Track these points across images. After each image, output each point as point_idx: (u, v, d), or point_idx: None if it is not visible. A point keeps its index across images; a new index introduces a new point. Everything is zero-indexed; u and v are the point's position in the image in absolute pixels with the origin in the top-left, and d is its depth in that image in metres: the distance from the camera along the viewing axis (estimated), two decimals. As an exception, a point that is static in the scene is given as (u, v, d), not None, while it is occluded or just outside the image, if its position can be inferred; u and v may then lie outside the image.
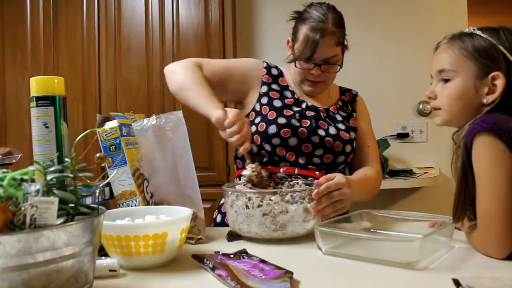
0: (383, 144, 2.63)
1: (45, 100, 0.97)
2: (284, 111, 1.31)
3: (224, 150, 2.44)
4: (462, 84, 0.94)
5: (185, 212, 0.88)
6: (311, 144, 1.29)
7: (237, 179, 1.39)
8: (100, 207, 0.70)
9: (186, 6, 2.47)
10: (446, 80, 0.96)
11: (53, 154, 0.96)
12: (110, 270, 0.78)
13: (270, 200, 1.00)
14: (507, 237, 0.81)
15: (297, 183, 1.16)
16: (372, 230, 1.05)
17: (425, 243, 0.81)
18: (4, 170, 0.63)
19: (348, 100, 1.45)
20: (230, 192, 1.06)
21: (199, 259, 0.83)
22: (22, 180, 0.60)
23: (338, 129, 1.32)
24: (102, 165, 1.02)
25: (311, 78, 1.32)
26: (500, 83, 0.89)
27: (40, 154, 0.96)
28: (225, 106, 1.19)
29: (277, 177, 1.24)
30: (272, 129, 1.27)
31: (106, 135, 1.02)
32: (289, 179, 1.20)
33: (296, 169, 1.29)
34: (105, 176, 1.00)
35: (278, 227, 0.99)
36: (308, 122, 1.31)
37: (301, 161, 1.30)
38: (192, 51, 2.45)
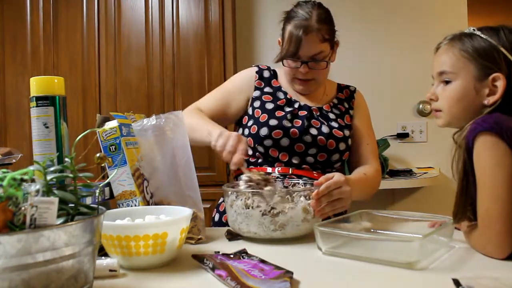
0: (383, 144, 2.63)
1: (45, 100, 0.97)
2: (276, 112, 1.33)
3: (224, 150, 2.44)
4: (463, 86, 0.94)
5: (185, 212, 0.88)
6: (304, 143, 1.30)
7: (235, 179, 1.40)
8: (100, 207, 0.70)
9: (186, 6, 2.47)
10: (447, 82, 0.96)
11: (53, 154, 0.96)
12: (110, 270, 0.78)
13: (269, 200, 1.00)
14: (507, 237, 0.81)
15: (298, 182, 1.17)
16: (372, 230, 1.05)
17: (425, 243, 0.81)
18: (4, 170, 0.63)
19: (345, 97, 1.45)
20: (230, 192, 1.06)
21: (199, 259, 0.83)
22: (22, 180, 0.60)
23: (331, 127, 1.32)
24: (102, 165, 1.02)
25: (299, 76, 1.33)
26: (500, 84, 0.89)
27: (40, 154, 0.96)
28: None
29: (273, 177, 1.24)
30: (264, 131, 1.29)
31: (106, 135, 1.02)
32: (284, 180, 1.20)
33: (290, 169, 1.29)
34: (105, 176, 1.00)
35: (277, 227, 0.99)
36: (300, 122, 1.31)
37: (294, 161, 1.30)
38: (192, 51, 2.46)
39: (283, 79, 1.43)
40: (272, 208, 0.99)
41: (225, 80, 2.43)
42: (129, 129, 1.07)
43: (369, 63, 2.78)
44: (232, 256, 0.86)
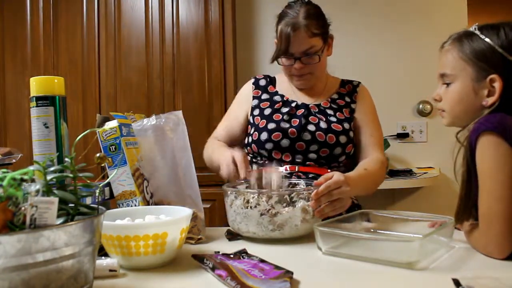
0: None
1: (45, 100, 0.97)
2: (274, 116, 1.36)
3: (224, 150, 2.44)
4: (462, 88, 0.94)
5: (185, 212, 0.88)
6: (303, 141, 1.32)
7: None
8: (100, 207, 0.70)
9: (186, 6, 2.47)
10: (448, 84, 0.97)
11: (53, 154, 0.96)
12: (110, 270, 0.78)
13: (268, 200, 1.00)
14: (508, 237, 0.81)
15: (299, 182, 1.17)
16: (372, 230, 1.05)
17: (425, 243, 0.81)
18: (4, 170, 0.63)
19: (347, 91, 1.45)
20: (229, 192, 1.06)
21: (199, 259, 0.83)
22: (22, 180, 0.60)
23: (329, 122, 1.34)
24: (102, 165, 1.02)
25: (295, 72, 1.36)
26: (497, 86, 0.89)
27: (40, 154, 0.96)
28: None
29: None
30: (264, 135, 1.33)
31: (106, 135, 1.02)
32: (290, 178, 1.21)
33: (296, 167, 1.31)
34: (105, 176, 1.00)
35: (275, 227, 0.99)
36: (297, 120, 1.34)
37: (298, 160, 1.33)
38: (192, 51, 2.46)
39: (281, 84, 1.47)
40: (271, 208, 0.99)
41: (225, 80, 2.44)
42: (129, 129, 1.07)
43: (369, 63, 2.78)
44: (232, 256, 0.86)
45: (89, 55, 2.51)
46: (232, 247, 0.96)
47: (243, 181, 1.14)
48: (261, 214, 0.99)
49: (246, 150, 1.44)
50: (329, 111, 1.37)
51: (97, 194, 0.77)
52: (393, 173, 2.56)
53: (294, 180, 1.20)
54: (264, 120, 1.36)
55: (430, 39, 2.71)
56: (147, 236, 0.79)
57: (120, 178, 1.01)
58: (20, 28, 2.53)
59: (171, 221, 0.84)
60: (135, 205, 1.01)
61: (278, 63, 1.36)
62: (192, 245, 1.00)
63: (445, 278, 0.72)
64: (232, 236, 1.06)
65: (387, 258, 0.82)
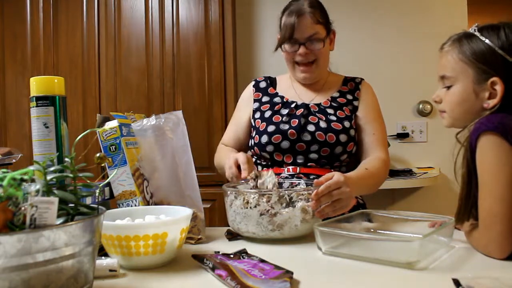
0: (383, 144, 2.63)
1: (45, 100, 0.97)
2: (274, 118, 1.37)
3: (224, 150, 2.44)
4: (462, 90, 0.94)
5: (185, 212, 0.88)
6: (304, 142, 1.32)
7: None
8: (100, 207, 0.70)
9: (186, 6, 2.47)
10: (449, 86, 0.97)
11: (53, 154, 0.96)
12: (110, 270, 0.78)
13: (268, 200, 1.00)
14: (508, 237, 0.81)
15: (299, 183, 1.17)
16: (372, 230, 1.05)
17: (425, 243, 0.81)
18: (4, 170, 0.63)
19: (349, 89, 1.44)
20: (229, 192, 1.06)
21: (199, 259, 0.83)
22: (22, 180, 0.60)
23: (329, 121, 1.33)
24: (102, 165, 1.02)
25: (299, 59, 1.36)
26: (499, 88, 0.89)
27: (40, 154, 0.96)
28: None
29: (281, 177, 1.25)
30: (264, 138, 1.34)
31: (106, 135, 1.02)
32: (292, 179, 1.21)
33: (298, 168, 1.32)
34: (105, 176, 1.00)
35: (275, 227, 0.99)
36: (297, 121, 1.34)
37: (299, 160, 1.33)
38: (192, 51, 2.46)
39: (282, 85, 1.48)
40: (270, 208, 0.99)
41: (225, 80, 2.44)
42: (129, 129, 1.07)
43: (369, 63, 2.78)
44: (232, 256, 0.86)
45: (89, 55, 2.51)
46: (232, 247, 0.96)
47: (243, 181, 1.14)
48: (261, 214, 0.99)
49: (250, 153, 1.45)
50: (329, 110, 1.37)
51: (97, 194, 0.77)
52: (393, 173, 2.56)
53: (294, 180, 1.20)
54: (264, 123, 1.37)
55: (431, 39, 2.71)
56: (147, 236, 0.79)
57: (120, 178, 1.01)
58: (20, 28, 2.53)
59: (171, 221, 0.84)
60: (135, 205, 1.01)
61: (282, 50, 1.37)
62: (192, 245, 1.00)
63: (445, 278, 0.72)
64: (232, 236, 1.06)
65: (387, 258, 0.82)
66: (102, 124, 1.06)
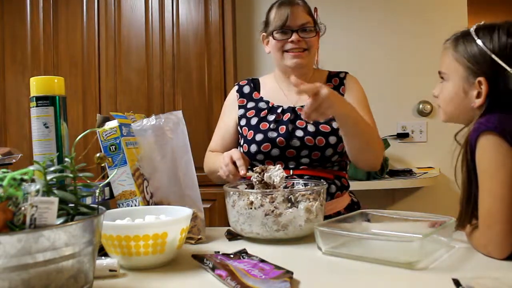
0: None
1: (45, 100, 0.97)
2: (261, 125, 1.35)
3: (224, 150, 2.44)
4: (453, 87, 0.96)
5: (185, 212, 0.88)
6: (293, 148, 1.31)
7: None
8: (100, 207, 0.70)
9: (186, 6, 2.47)
10: (443, 82, 1.00)
11: (53, 154, 0.96)
12: (110, 270, 0.78)
13: (272, 200, 0.99)
14: (508, 237, 0.81)
15: (298, 182, 1.17)
16: (372, 230, 1.05)
17: (425, 243, 0.81)
18: (4, 170, 0.63)
19: (334, 86, 1.42)
20: (231, 192, 1.05)
21: (199, 259, 0.83)
22: (22, 180, 0.60)
23: (317, 124, 1.32)
24: (102, 165, 1.02)
25: (290, 46, 1.33)
26: (484, 88, 0.90)
27: (40, 154, 0.96)
28: None
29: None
30: (253, 148, 1.33)
31: (106, 135, 1.02)
32: (288, 180, 1.20)
33: (291, 171, 1.32)
34: (105, 176, 1.00)
35: (280, 227, 0.98)
36: (285, 127, 1.32)
37: (291, 166, 1.33)
38: (192, 51, 2.46)
39: (266, 88, 1.45)
40: (275, 208, 0.99)
41: (225, 80, 2.44)
42: (129, 129, 1.07)
43: (369, 63, 2.78)
44: (232, 256, 0.86)
45: (89, 55, 2.51)
46: (232, 247, 0.96)
47: (243, 181, 1.14)
48: (266, 215, 0.98)
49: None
50: None
51: (97, 194, 0.77)
52: (393, 173, 2.56)
53: (293, 180, 1.19)
54: (252, 131, 1.35)
55: (430, 39, 2.71)
56: (147, 236, 0.79)
57: (120, 178, 1.01)
58: (20, 28, 2.53)
59: (171, 221, 0.84)
60: (135, 205, 1.01)
61: (273, 38, 1.34)
62: (192, 245, 1.00)
63: (445, 278, 0.72)
64: (232, 236, 1.06)
65: (387, 258, 0.82)
66: (102, 124, 1.06)
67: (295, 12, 1.32)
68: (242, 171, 1.14)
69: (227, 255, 0.86)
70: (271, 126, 1.33)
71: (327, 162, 1.33)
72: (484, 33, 0.92)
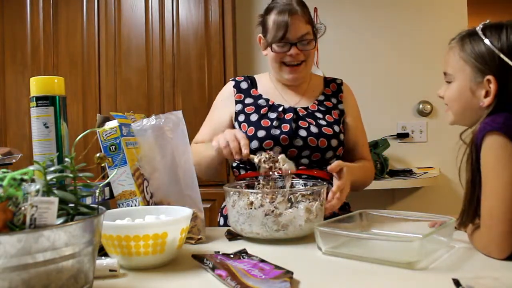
0: (383, 144, 2.63)
1: (45, 100, 0.97)
2: (262, 122, 1.33)
3: (224, 150, 2.44)
4: (459, 87, 0.95)
5: (185, 212, 0.88)
6: (296, 148, 1.30)
7: (235, 180, 1.41)
8: (100, 207, 0.70)
9: (186, 6, 2.47)
10: (449, 82, 0.98)
11: (53, 154, 0.96)
12: (110, 270, 0.78)
13: (272, 200, 0.99)
14: (508, 237, 0.81)
15: (297, 182, 1.17)
16: (372, 230, 1.05)
17: (425, 243, 0.81)
18: (4, 170, 0.63)
19: (332, 92, 1.43)
20: (232, 192, 1.05)
21: (199, 259, 0.83)
22: (22, 180, 0.60)
23: (319, 126, 1.32)
24: (102, 165, 1.02)
25: (288, 60, 1.33)
26: (493, 87, 0.89)
27: (40, 154, 0.96)
28: None
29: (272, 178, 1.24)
30: (254, 144, 1.29)
31: (106, 135, 1.02)
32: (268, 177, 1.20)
33: (289, 171, 1.30)
34: (105, 176, 1.00)
35: (280, 227, 0.98)
36: (288, 126, 1.31)
37: None
38: (192, 51, 2.46)
39: (263, 86, 1.44)
40: (275, 208, 0.99)
41: (225, 80, 2.44)
42: (129, 129, 1.07)
43: (369, 63, 2.78)
44: (232, 256, 0.86)
45: (89, 55, 2.51)
46: (232, 247, 0.96)
47: (238, 161, 1.13)
48: (266, 215, 0.98)
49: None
50: (318, 114, 1.36)
51: (97, 194, 0.77)
52: (393, 173, 2.56)
53: (293, 180, 1.19)
54: (253, 127, 1.32)
55: (431, 39, 2.72)
56: (147, 236, 0.79)
57: (120, 178, 1.01)
58: (20, 28, 2.53)
59: (171, 221, 0.84)
60: (135, 205, 1.01)
61: (271, 50, 1.32)
62: (192, 245, 1.00)
63: (445, 278, 0.72)
64: (232, 236, 1.06)
65: (387, 258, 0.82)
66: (102, 124, 1.06)
67: (295, 24, 1.28)
68: (245, 150, 1.11)
69: (227, 255, 0.86)
70: (274, 123, 1.31)
71: (325, 164, 1.33)
72: (491, 32, 0.91)
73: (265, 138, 1.29)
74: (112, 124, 1.03)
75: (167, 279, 0.78)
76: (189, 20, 2.47)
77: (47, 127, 0.97)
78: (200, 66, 2.45)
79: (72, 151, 0.71)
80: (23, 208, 0.57)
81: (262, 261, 0.82)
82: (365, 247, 0.87)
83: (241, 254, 0.87)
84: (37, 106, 0.97)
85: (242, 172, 1.38)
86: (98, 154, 0.79)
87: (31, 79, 0.99)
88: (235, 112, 1.40)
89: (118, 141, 1.01)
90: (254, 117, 1.35)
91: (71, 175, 0.69)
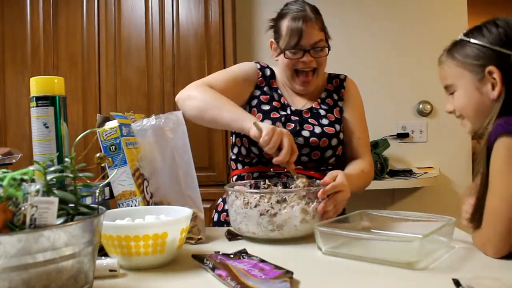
0: (383, 144, 2.63)
1: (45, 100, 0.97)
2: (272, 114, 1.33)
3: (224, 150, 2.44)
4: (465, 91, 0.96)
5: (185, 212, 0.88)
6: (297, 145, 1.29)
7: (232, 179, 1.40)
8: (100, 207, 0.70)
9: (186, 6, 2.47)
10: (453, 93, 0.99)
11: (53, 154, 0.96)
12: (110, 270, 0.78)
13: (268, 200, 1.00)
14: (505, 238, 0.81)
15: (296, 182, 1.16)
16: (372, 230, 1.05)
17: (425, 243, 0.81)
18: (4, 170, 0.63)
19: (334, 88, 1.43)
20: (230, 192, 1.06)
21: (199, 259, 0.83)
22: (22, 180, 0.60)
23: (322, 126, 1.32)
24: (102, 165, 1.02)
25: (301, 66, 1.32)
26: (497, 76, 0.90)
27: (40, 154, 0.96)
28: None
29: (267, 175, 1.24)
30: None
31: (106, 135, 1.02)
32: (280, 179, 1.20)
33: (285, 169, 1.29)
34: (105, 176, 1.00)
35: (275, 227, 0.99)
36: (293, 125, 1.31)
37: None
38: (192, 51, 2.46)
39: (279, 79, 1.43)
40: (270, 208, 0.99)
41: (225, 80, 2.43)
42: (129, 129, 1.07)
43: (369, 63, 2.78)
44: (232, 256, 0.86)
45: (89, 55, 2.51)
46: (232, 247, 0.96)
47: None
48: (261, 214, 0.99)
49: (234, 141, 1.40)
50: (321, 112, 1.36)
51: (97, 194, 0.77)
52: (393, 173, 2.56)
53: (285, 179, 1.20)
54: (261, 115, 1.32)
55: (431, 38, 2.72)
56: (147, 236, 0.79)
57: (120, 178, 1.01)
58: (20, 28, 2.53)
59: (171, 221, 0.84)
60: (135, 205, 1.01)
61: (285, 57, 1.31)
62: (192, 245, 1.00)
63: (445, 278, 0.72)
64: (232, 236, 1.06)
65: (387, 258, 0.82)
66: (102, 124, 1.06)
67: (309, 31, 1.27)
68: (291, 158, 1.08)
69: (227, 255, 0.86)
70: (282, 119, 1.31)
71: (324, 164, 1.33)
72: (473, 33, 0.95)
73: None
74: (112, 124, 1.03)
75: (167, 279, 0.78)
76: (189, 20, 2.47)
77: (47, 127, 0.97)
78: (200, 66, 2.45)
79: (72, 151, 0.71)
80: (23, 208, 0.57)
81: (262, 261, 0.82)
82: (365, 247, 0.87)
83: (241, 254, 0.87)
84: (37, 106, 0.97)
85: (240, 167, 1.38)
86: (98, 154, 0.79)
87: (31, 79, 0.99)
88: (251, 95, 1.38)
89: (118, 141, 1.01)
90: (266, 107, 1.35)
91: (71, 175, 0.69)
